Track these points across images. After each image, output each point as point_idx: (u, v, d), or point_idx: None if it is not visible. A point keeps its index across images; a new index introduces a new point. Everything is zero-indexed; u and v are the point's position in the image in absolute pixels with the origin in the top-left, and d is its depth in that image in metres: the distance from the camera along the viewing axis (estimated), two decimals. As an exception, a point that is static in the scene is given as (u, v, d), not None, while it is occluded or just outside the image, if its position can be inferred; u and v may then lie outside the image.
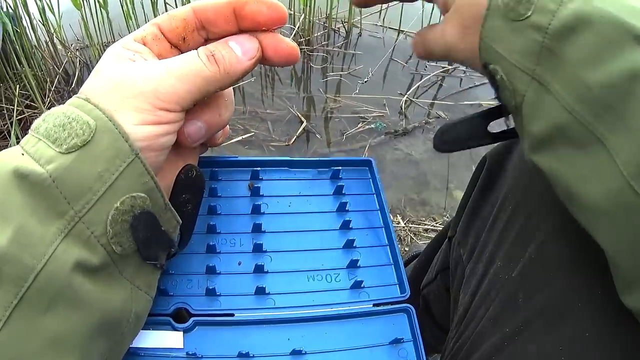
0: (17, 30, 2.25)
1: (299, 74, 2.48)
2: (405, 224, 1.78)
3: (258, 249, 0.63)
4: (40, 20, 2.44)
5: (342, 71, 2.46)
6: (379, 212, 0.71)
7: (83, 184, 0.38)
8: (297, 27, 2.61)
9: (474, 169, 1.88)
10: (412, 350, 0.61)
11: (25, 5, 2.32)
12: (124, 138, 0.40)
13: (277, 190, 0.70)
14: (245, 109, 2.26)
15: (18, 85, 2.27)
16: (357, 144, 2.08)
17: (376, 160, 1.92)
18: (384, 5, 2.48)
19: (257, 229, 0.65)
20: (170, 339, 0.56)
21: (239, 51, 0.45)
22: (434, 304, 0.99)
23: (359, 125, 2.15)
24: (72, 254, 0.38)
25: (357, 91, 2.32)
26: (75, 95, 0.44)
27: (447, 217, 1.83)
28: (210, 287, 0.58)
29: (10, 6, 2.25)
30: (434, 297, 0.97)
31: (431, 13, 2.57)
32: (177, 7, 2.51)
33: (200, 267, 0.61)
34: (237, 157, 0.66)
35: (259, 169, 0.69)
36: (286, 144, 2.08)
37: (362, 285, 0.63)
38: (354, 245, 0.66)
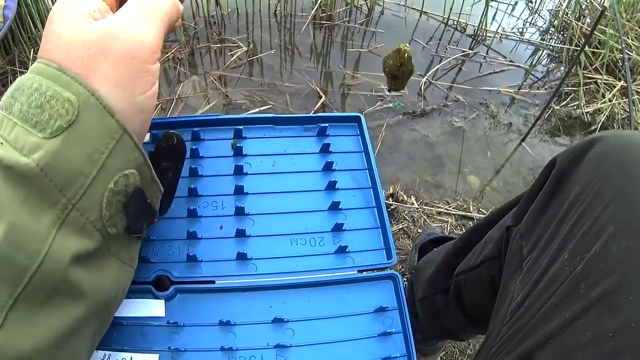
0: None
1: (319, 49, 2.45)
2: (418, 205, 1.77)
3: (240, 212, 0.61)
4: None
5: (362, 48, 2.44)
6: (367, 171, 0.69)
7: (73, 168, 0.37)
8: (319, 1, 2.58)
9: (489, 154, 1.87)
10: (397, 318, 0.60)
11: None
12: (110, 113, 0.38)
13: (261, 148, 0.68)
14: (264, 81, 2.24)
15: (32, 49, 2.26)
16: (374, 121, 2.05)
17: (393, 140, 1.92)
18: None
19: (239, 190, 0.63)
20: (152, 307, 0.56)
21: None
22: (469, 291, 0.99)
23: (377, 104, 2.13)
24: (68, 247, 0.37)
25: (377, 69, 2.29)
26: (40, 61, 0.40)
27: (460, 201, 1.82)
28: (191, 254, 0.57)
29: None
30: (472, 284, 0.97)
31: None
32: None
33: (181, 232, 0.59)
34: (219, 115, 0.63)
35: (242, 127, 0.67)
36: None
37: (347, 250, 0.61)
38: (340, 207, 0.64)
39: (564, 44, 2.62)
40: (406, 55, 1.37)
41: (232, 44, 2.42)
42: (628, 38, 2.52)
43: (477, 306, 0.99)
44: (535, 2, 2.94)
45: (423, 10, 2.68)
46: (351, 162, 0.68)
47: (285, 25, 2.59)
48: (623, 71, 2.37)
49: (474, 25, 2.62)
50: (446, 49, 2.49)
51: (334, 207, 0.63)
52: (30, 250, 0.35)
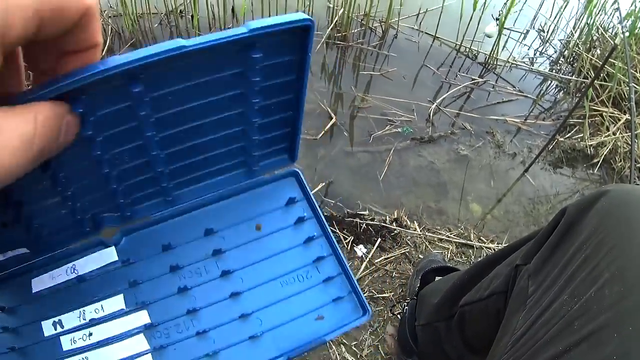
0: None
1: (331, 69, 2.50)
2: (421, 230, 1.82)
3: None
4: None
5: (374, 71, 2.49)
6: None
7: None
8: (334, 21, 2.63)
9: (492, 183, 1.92)
10: (306, 206, 0.68)
11: None
12: None
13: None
14: (275, 98, 2.28)
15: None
16: (382, 145, 2.11)
17: (399, 164, 1.98)
18: (422, 9, 2.52)
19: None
20: (106, 255, 0.62)
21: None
22: (473, 322, 1.07)
23: (386, 127, 2.18)
24: None
25: (387, 93, 2.35)
26: None
27: (462, 229, 1.87)
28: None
29: None
30: (478, 315, 1.04)
31: (469, 23, 2.61)
32: None
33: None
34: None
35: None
36: (314, 138, 2.10)
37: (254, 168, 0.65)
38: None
39: (572, 76, 2.67)
40: None
41: None
42: (636, 71, 2.56)
43: (479, 337, 1.07)
44: (547, 31, 2.99)
45: (436, 35, 2.73)
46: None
47: (300, 42, 2.63)
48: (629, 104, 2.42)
49: (485, 53, 2.67)
50: (456, 75, 2.54)
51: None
52: None
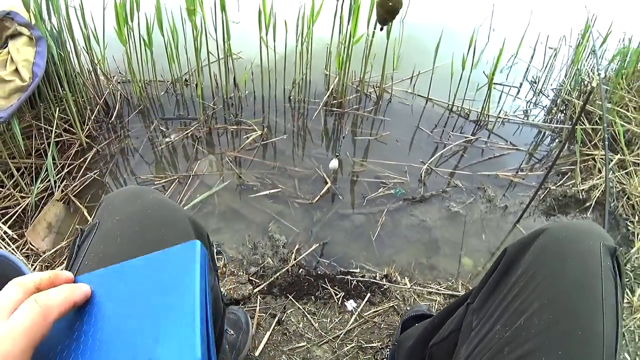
0: (60, 54, 2.37)
1: (329, 134, 2.64)
2: (411, 285, 1.91)
3: None
4: (85, 47, 2.57)
5: (370, 136, 2.62)
6: None
7: None
8: (331, 88, 2.77)
9: (484, 237, 2.01)
10: None
11: (70, 30, 2.44)
12: None
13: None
14: (276, 164, 2.43)
15: (58, 108, 2.41)
16: (376, 207, 2.22)
17: (392, 224, 2.10)
18: (415, 72, 2.66)
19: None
20: None
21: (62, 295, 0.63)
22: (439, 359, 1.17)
23: (380, 190, 2.30)
24: None
25: (382, 157, 2.47)
26: None
27: (452, 282, 1.95)
28: None
29: (55, 28, 2.37)
30: (441, 353, 1.14)
31: (459, 82, 2.74)
32: (218, 55, 2.72)
33: None
34: None
35: None
36: (310, 202, 2.23)
37: None
38: None
39: (564, 124, 2.76)
40: None
41: (247, 127, 2.63)
42: (627, 110, 2.64)
43: None
44: (539, 82, 3.10)
45: (429, 97, 2.87)
46: None
47: (298, 110, 2.79)
48: (621, 145, 2.49)
49: (477, 111, 2.79)
50: (449, 135, 2.66)
51: None
52: None
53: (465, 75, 2.71)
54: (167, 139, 2.56)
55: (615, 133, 2.51)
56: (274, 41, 2.57)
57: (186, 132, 2.60)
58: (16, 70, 2.17)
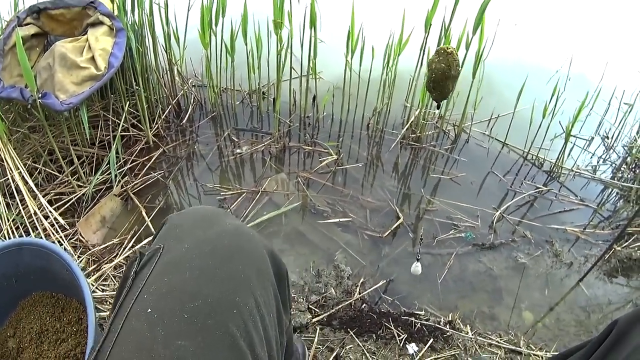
0: (139, 48, 2.43)
1: (403, 168, 2.69)
2: (472, 334, 1.94)
3: None
4: (164, 46, 2.64)
5: (443, 174, 2.67)
6: None
7: None
8: (410, 121, 2.82)
9: (546, 292, 2.03)
10: None
11: (151, 26, 2.51)
12: None
13: None
14: (347, 192, 2.48)
15: (129, 102, 2.47)
16: (445, 249, 2.26)
17: (459, 269, 2.18)
18: (494, 114, 2.68)
19: None
20: None
21: None
22: None
23: (450, 232, 2.34)
24: None
25: (454, 197, 2.51)
26: None
27: (512, 336, 1.97)
28: None
29: (136, 22, 2.43)
30: None
31: (537, 130, 2.75)
32: (301, 71, 2.79)
33: None
34: None
35: None
36: (380, 235, 2.28)
37: None
38: None
39: (633, 183, 2.76)
40: (452, 54, 1.46)
41: (323, 149, 2.67)
42: None
43: None
44: (611, 137, 3.10)
45: (505, 142, 2.90)
46: None
47: (374, 139, 2.84)
48: None
49: (550, 161, 2.82)
50: (522, 183, 2.68)
51: None
52: None
53: (544, 123, 2.73)
54: (238, 150, 2.61)
55: None
56: (360, 65, 2.60)
57: (259, 146, 2.64)
58: (92, 59, 2.21)
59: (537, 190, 2.65)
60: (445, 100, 1.74)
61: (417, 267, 2.04)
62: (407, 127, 2.82)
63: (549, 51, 3.92)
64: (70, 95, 2.10)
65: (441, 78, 1.44)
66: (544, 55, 3.86)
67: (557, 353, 1.13)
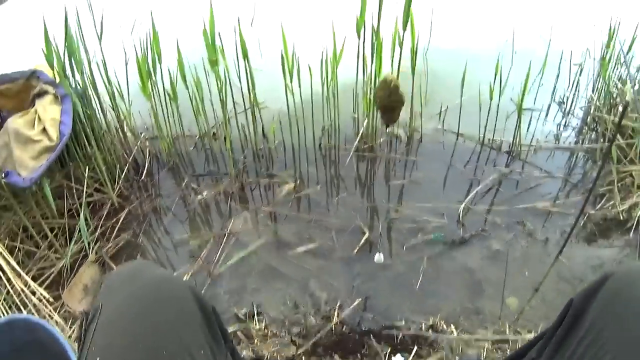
0: (86, 112, 2.42)
1: (363, 181, 2.67)
2: (458, 333, 1.91)
3: None
4: (110, 104, 2.63)
5: (403, 178, 2.64)
6: None
7: None
8: (360, 132, 2.79)
9: (527, 274, 1.99)
10: None
11: (94, 87, 2.50)
12: None
13: None
14: (311, 217, 2.45)
15: (88, 167, 2.44)
16: (415, 254, 2.23)
17: (434, 271, 2.13)
18: (443, 108, 2.67)
19: None
20: None
21: None
22: None
23: (419, 236, 2.31)
24: None
25: (417, 200, 2.48)
26: None
27: (498, 326, 1.95)
28: None
29: (79, 85, 2.44)
30: None
31: (488, 113, 2.74)
32: (244, 105, 2.79)
33: None
34: None
35: None
36: (349, 255, 2.25)
37: None
38: None
39: (596, 142, 2.74)
40: (392, 84, 1.54)
41: (280, 180, 2.65)
42: None
43: None
44: (567, 103, 3.09)
45: (459, 132, 2.89)
46: None
47: (329, 157, 2.82)
48: None
49: (508, 141, 2.79)
50: (483, 170, 2.66)
51: None
52: None
53: (494, 104, 2.70)
54: (199, 196, 2.60)
55: None
56: (300, 87, 2.59)
57: (218, 188, 2.63)
58: (44, 130, 2.22)
59: (501, 173, 2.62)
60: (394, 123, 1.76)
61: (379, 256, 2.15)
62: (358, 139, 2.80)
63: (490, 31, 3.93)
64: (31, 170, 2.11)
65: (385, 103, 1.54)
66: (487, 36, 3.86)
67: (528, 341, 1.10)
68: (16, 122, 2.21)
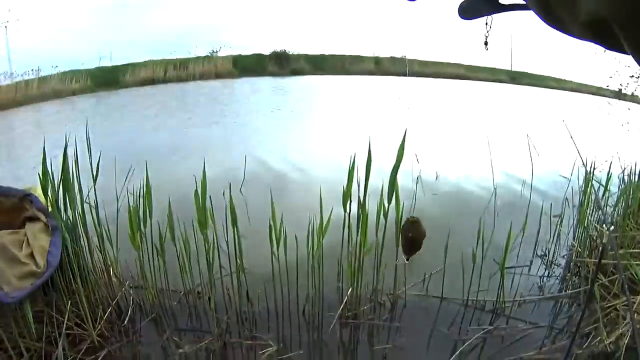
0: (74, 248, 2.47)
1: (346, 346, 2.68)
2: None
3: None
4: (98, 246, 2.68)
5: (387, 344, 2.63)
6: None
7: None
8: (344, 300, 2.83)
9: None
10: None
11: (84, 226, 2.57)
12: None
13: None
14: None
15: (70, 300, 2.45)
16: None
17: None
18: (427, 274, 2.70)
19: None
20: None
21: None
22: None
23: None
24: None
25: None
26: None
27: None
28: None
29: (70, 220, 2.50)
30: None
31: (471, 275, 2.76)
32: (230, 269, 2.84)
33: None
34: None
35: None
36: None
37: None
38: None
39: (579, 287, 2.76)
40: (415, 224, 1.63)
41: (262, 342, 2.62)
42: None
43: None
44: (550, 254, 3.14)
45: (443, 296, 2.91)
46: None
47: (313, 323, 2.82)
48: None
49: (492, 300, 2.82)
50: (467, 331, 2.65)
51: None
52: None
53: (477, 266, 2.75)
54: (180, 350, 2.58)
55: (634, 274, 2.52)
56: (285, 255, 2.66)
57: (200, 344, 2.61)
58: (32, 255, 2.28)
59: (485, 331, 2.62)
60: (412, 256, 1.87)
61: None
62: (342, 306, 2.82)
63: (473, 195, 4.06)
64: (14, 288, 2.16)
65: (408, 240, 1.69)
66: (469, 201, 3.99)
67: None
68: (5, 237, 2.30)
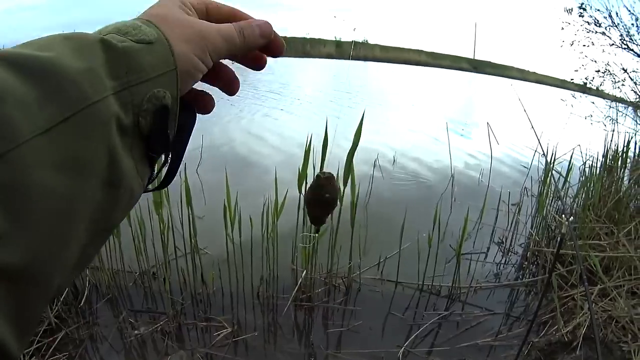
0: None
1: (301, 329, 2.62)
2: None
3: None
4: None
5: (342, 327, 2.58)
6: None
7: (141, 66, 0.51)
8: (299, 283, 2.78)
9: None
10: None
11: None
12: (172, 53, 0.54)
13: None
14: (249, 364, 2.36)
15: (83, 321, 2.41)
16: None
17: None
18: (382, 258, 2.67)
19: None
20: None
21: (258, 32, 0.62)
22: None
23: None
24: (115, 107, 0.48)
25: (356, 347, 2.41)
26: (141, 17, 0.58)
27: None
28: None
29: None
30: None
31: (427, 260, 2.75)
32: (185, 250, 2.78)
33: None
34: None
35: None
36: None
37: None
38: None
39: (536, 276, 2.76)
40: (331, 179, 1.49)
41: (217, 324, 2.57)
42: (600, 239, 2.68)
43: None
44: (507, 241, 3.13)
45: (398, 281, 2.87)
46: None
47: (267, 306, 2.77)
48: (599, 275, 2.47)
49: (447, 285, 2.79)
50: (423, 315, 2.63)
51: None
52: (95, 89, 0.45)
53: (432, 252, 2.74)
54: (136, 331, 2.53)
55: (592, 265, 2.51)
56: (240, 237, 2.61)
57: (155, 326, 2.56)
58: None
59: (440, 316, 2.60)
60: (322, 226, 1.75)
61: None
62: (296, 289, 2.77)
63: (431, 179, 4.04)
64: None
65: (324, 202, 1.52)
66: (427, 185, 3.96)
67: None
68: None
